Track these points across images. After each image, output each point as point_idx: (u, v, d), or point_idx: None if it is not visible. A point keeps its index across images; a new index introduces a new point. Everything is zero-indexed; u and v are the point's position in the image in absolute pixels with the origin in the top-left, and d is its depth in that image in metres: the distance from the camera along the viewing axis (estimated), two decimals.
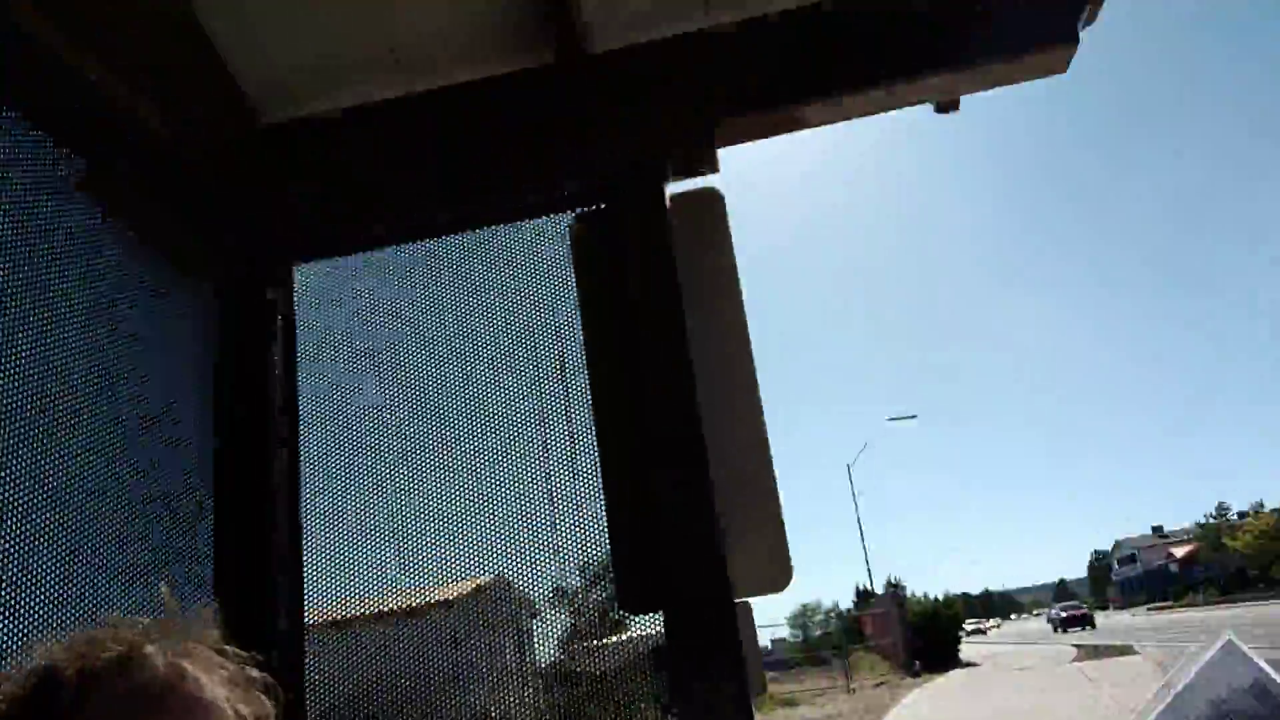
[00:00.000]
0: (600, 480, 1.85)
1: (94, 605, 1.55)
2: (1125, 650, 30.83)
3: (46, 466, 1.53)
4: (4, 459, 1.44)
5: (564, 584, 1.88)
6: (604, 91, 2.09)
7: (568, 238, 2.05)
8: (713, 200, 2.02)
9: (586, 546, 1.84)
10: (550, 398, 1.96)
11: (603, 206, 2.04)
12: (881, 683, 29.58)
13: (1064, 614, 67.06)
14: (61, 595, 1.50)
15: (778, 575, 1.74)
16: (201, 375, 1.98)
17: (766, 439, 1.83)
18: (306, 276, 2.13)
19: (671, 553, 1.71)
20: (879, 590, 42.35)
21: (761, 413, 1.85)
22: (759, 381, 1.87)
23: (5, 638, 1.40)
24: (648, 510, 1.76)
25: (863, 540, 63.26)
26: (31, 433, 1.50)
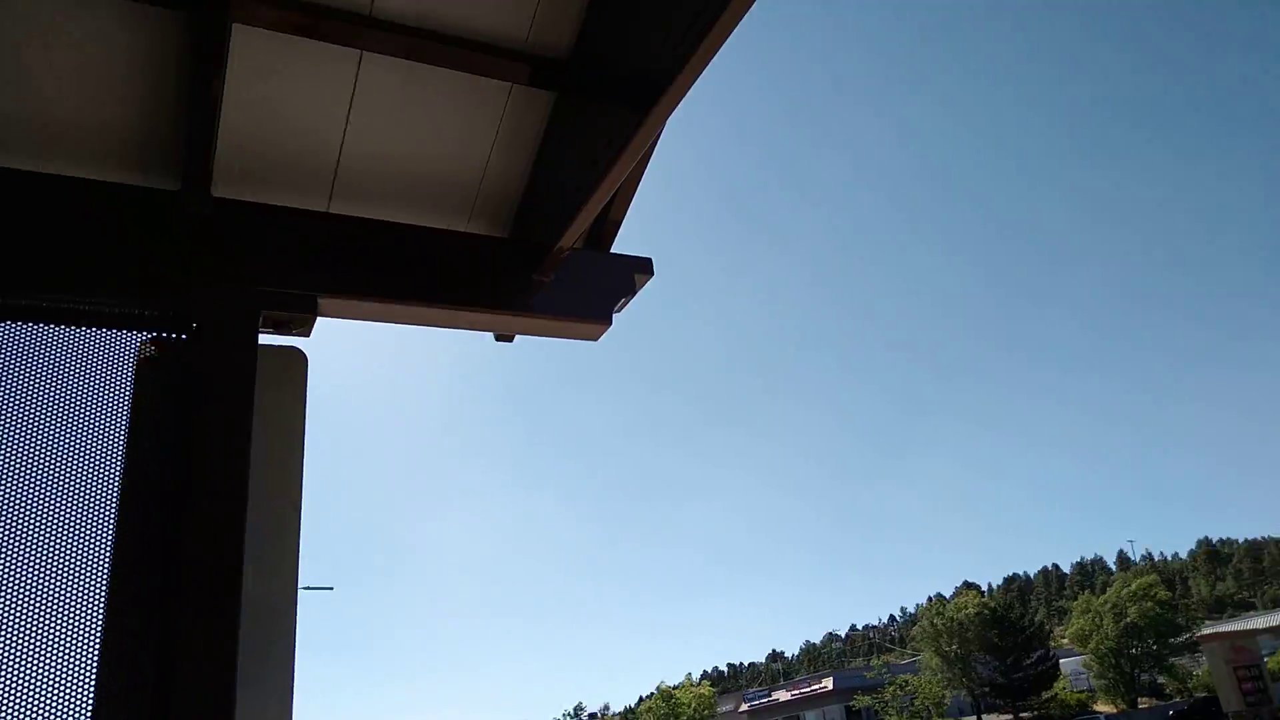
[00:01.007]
0: (103, 620, 1.76)
1: None
2: None
3: None
4: None
5: None
6: (217, 231, 2.17)
7: (134, 354, 2.02)
8: (296, 359, 2.17)
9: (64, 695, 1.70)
10: (72, 510, 1.84)
11: (183, 336, 2.06)
12: None
13: None
14: None
15: None
16: None
17: (296, 595, 1.95)
18: None
19: (174, 703, 1.69)
20: None
21: (296, 570, 1.97)
22: (299, 536, 2.00)
23: None
24: (159, 656, 1.73)
25: None
26: None
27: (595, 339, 2.58)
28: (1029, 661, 59.25)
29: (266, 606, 1.88)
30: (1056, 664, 62.17)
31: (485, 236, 2.57)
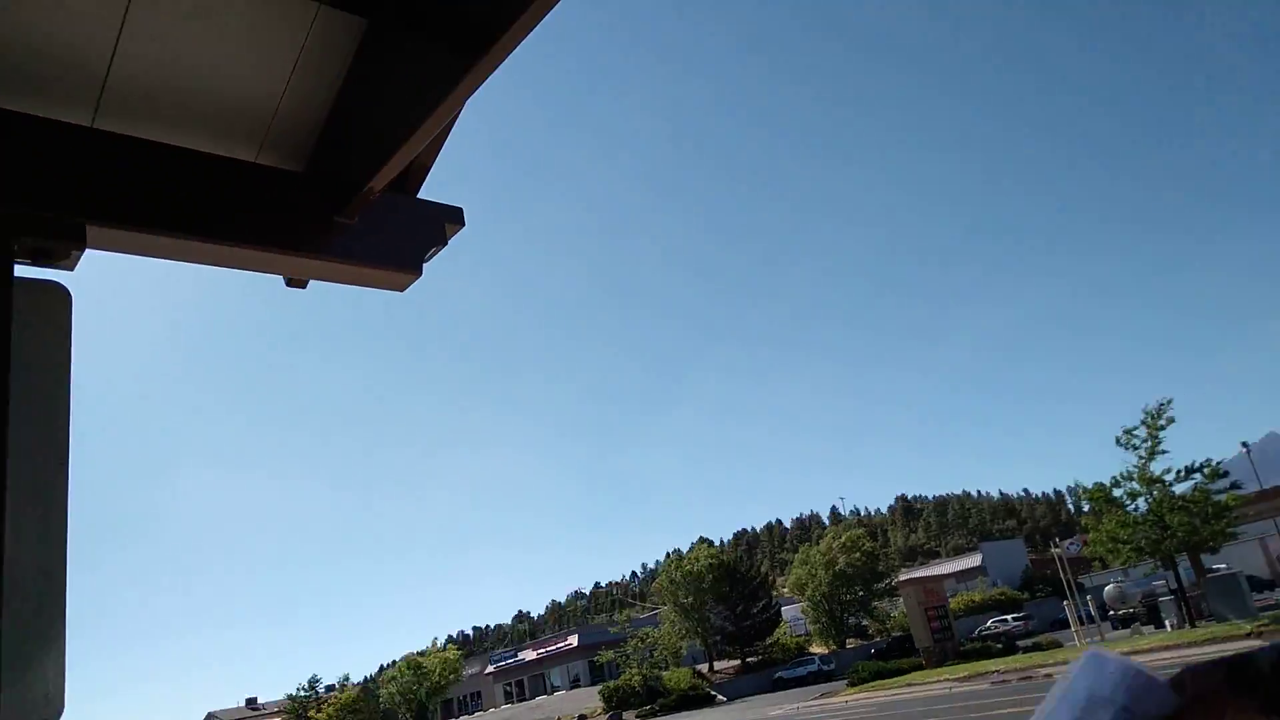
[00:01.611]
0: None
1: None
2: None
3: None
4: None
5: None
6: None
7: None
8: (60, 296, 1.89)
9: None
10: None
11: None
12: None
13: None
14: None
15: (49, 710, 1.60)
16: None
17: (65, 560, 1.72)
18: None
19: None
20: None
21: (65, 537, 1.73)
22: (69, 495, 1.77)
23: None
24: None
25: None
26: None
27: (402, 289, 2.46)
28: (755, 610, 64.42)
29: (31, 574, 1.64)
30: (779, 612, 68.17)
31: (279, 170, 2.36)
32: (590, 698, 64.89)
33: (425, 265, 2.44)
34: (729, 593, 64.07)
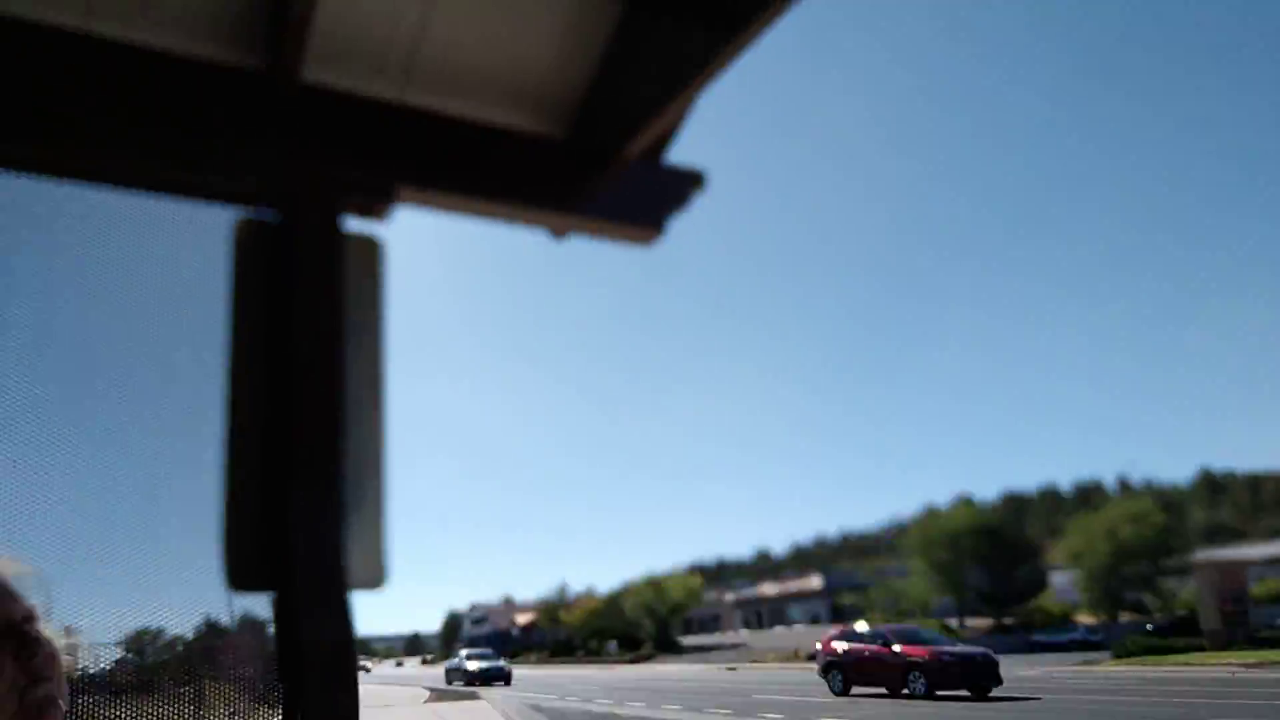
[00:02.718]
0: (226, 468, 1.99)
1: None
2: (471, 696, 34.01)
3: None
4: None
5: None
6: (303, 117, 2.29)
7: (231, 232, 2.17)
8: (375, 248, 2.33)
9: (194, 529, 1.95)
10: (178, 375, 2.05)
11: (275, 216, 2.21)
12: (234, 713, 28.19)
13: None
14: None
15: (378, 576, 2.07)
16: None
17: (383, 465, 2.17)
18: None
19: (294, 543, 1.93)
20: None
21: (383, 443, 2.18)
22: (386, 415, 2.21)
23: None
24: (273, 503, 1.96)
25: None
26: None
27: (648, 244, 2.72)
28: (1018, 574, 61.08)
29: (361, 462, 2.10)
30: (1045, 578, 64.05)
31: (548, 137, 2.68)
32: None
33: (668, 225, 2.69)
34: (990, 555, 61.15)
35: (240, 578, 1.92)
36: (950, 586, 61.63)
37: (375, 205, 2.34)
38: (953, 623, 61.68)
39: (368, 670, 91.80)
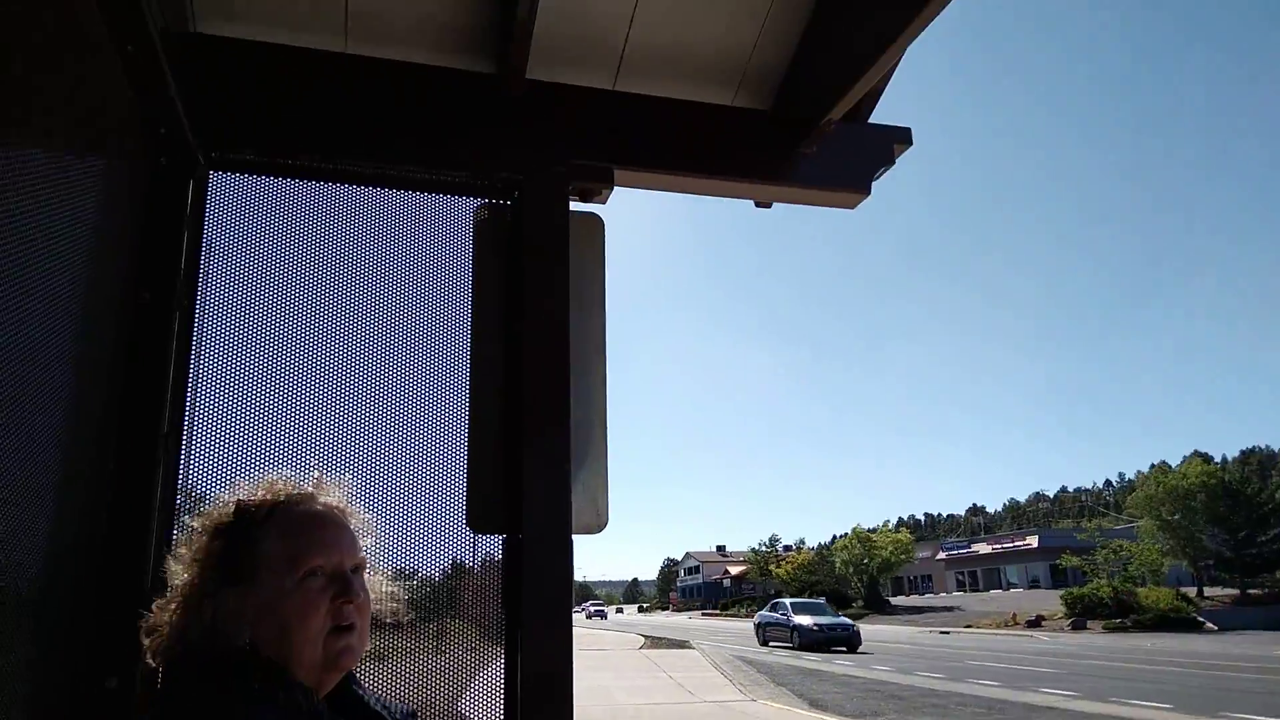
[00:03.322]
0: (466, 426, 2.28)
1: None
2: (684, 644, 35.17)
3: None
4: None
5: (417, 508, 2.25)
6: (530, 111, 2.52)
7: (471, 219, 2.45)
8: (597, 223, 2.54)
9: (445, 478, 2.26)
10: (432, 344, 2.35)
11: (508, 202, 2.47)
12: (468, 648, 30.83)
13: (591, 608, 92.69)
14: None
15: (599, 521, 2.31)
16: (110, 251, 2.08)
17: (605, 417, 2.40)
18: (220, 183, 2.29)
19: (525, 488, 2.20)
20: None
21: (605, 398, 2.41)
22: (607, 376, 2.44)
23: None
24: (509, 453, 2.24)
25: None
26: None
27: (853, 207, 2.77)
28: (1264, 539, 55.03)
29: (584, 416, 2.34)
30: None
31: (751, 110, 2.78)
32: (1049, 600, 61.66)
33: (874, 184, 2.71)
34: (1227, 515, 55.29)
35: (479, 521, 2.21)
36: (1183, 550, 56.27)
37: (595, 186, 2.54)
38: (1190, 591, 56.41)
39: (604, 616, 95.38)
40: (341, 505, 1.40)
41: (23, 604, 1.58)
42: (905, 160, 2.81)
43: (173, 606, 1.26)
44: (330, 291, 2.32)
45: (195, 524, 1.33)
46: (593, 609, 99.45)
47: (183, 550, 1.30)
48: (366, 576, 1.39)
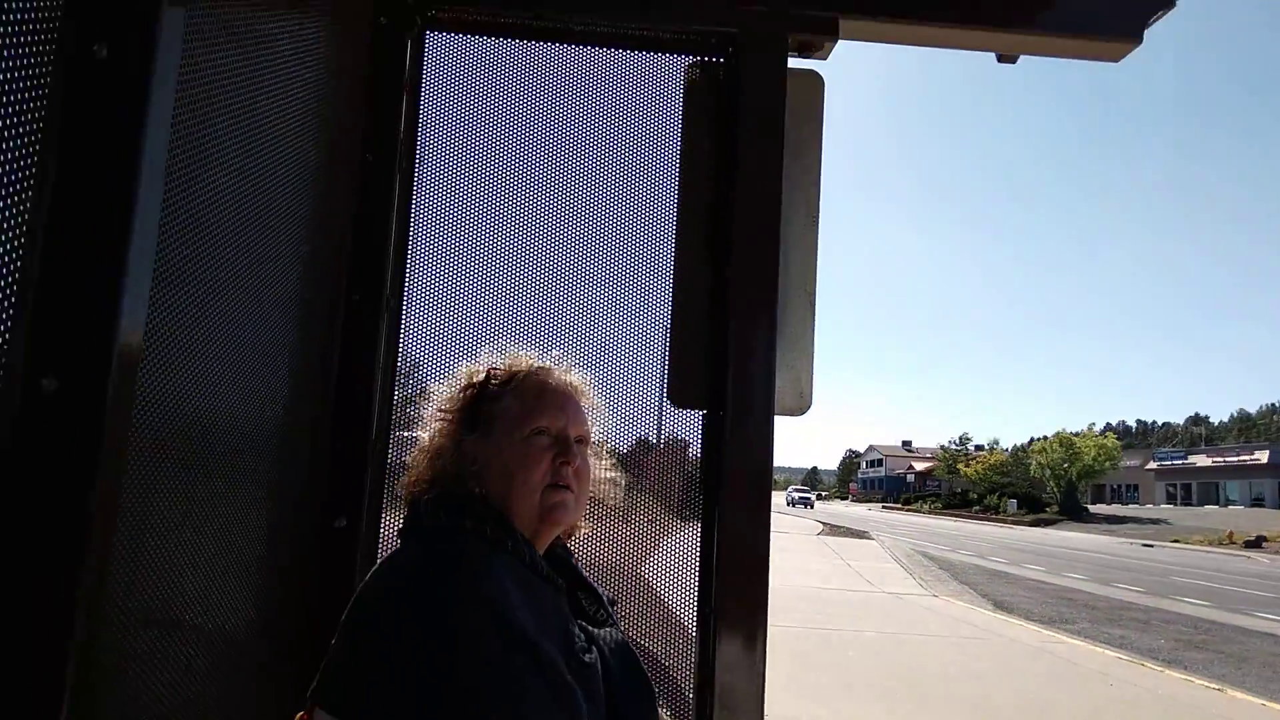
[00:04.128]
0: (671, 298, 2.20)
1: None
2: (863, 535, 35.17)
3: None
4: None
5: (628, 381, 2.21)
6: None
7: (682, 79, 2.30)
8: (816, 82, 2.33)
9: (645, 350, 2.20)
10: (639, 210, 2.26)
11: (721, 60, 2.30)
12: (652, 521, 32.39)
13: (795, 494, 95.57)
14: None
15: (802, 403, 2.20)
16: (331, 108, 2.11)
17: (814, 296, 2.25)
18: (437, 44, 2.26)
19: (729, 365, 2.11)
20: None
21: (815, 275, 2.26)
22: (818, 251, 2.27)
23: None
24: (713, 327, 2.15)
25: None
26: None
27: (1118, 59, 2.38)
28: None
29: (793, 293, 2.20)
30: None
31: None
32: (1273, 521, 56.50)
33: (1147, 32, 2.31)
34: None
35: (680, 396, 2.15)
36: None
37: (817, 40, 2.31)
38: None
39: (810, 505, 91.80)
40: (576, 383, 1.52)
41: (261, 452, 1.69)
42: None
43: (421, 453, 1.45)
44: (542, 159, 2.27)
45: (444, 385, 1.51)
46: (796, 495, 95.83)
47: (430, 408, 1.49)
48: (591, 460, 1.50)
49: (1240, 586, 25.44)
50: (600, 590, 1.52)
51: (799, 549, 25.91)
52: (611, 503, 1.60)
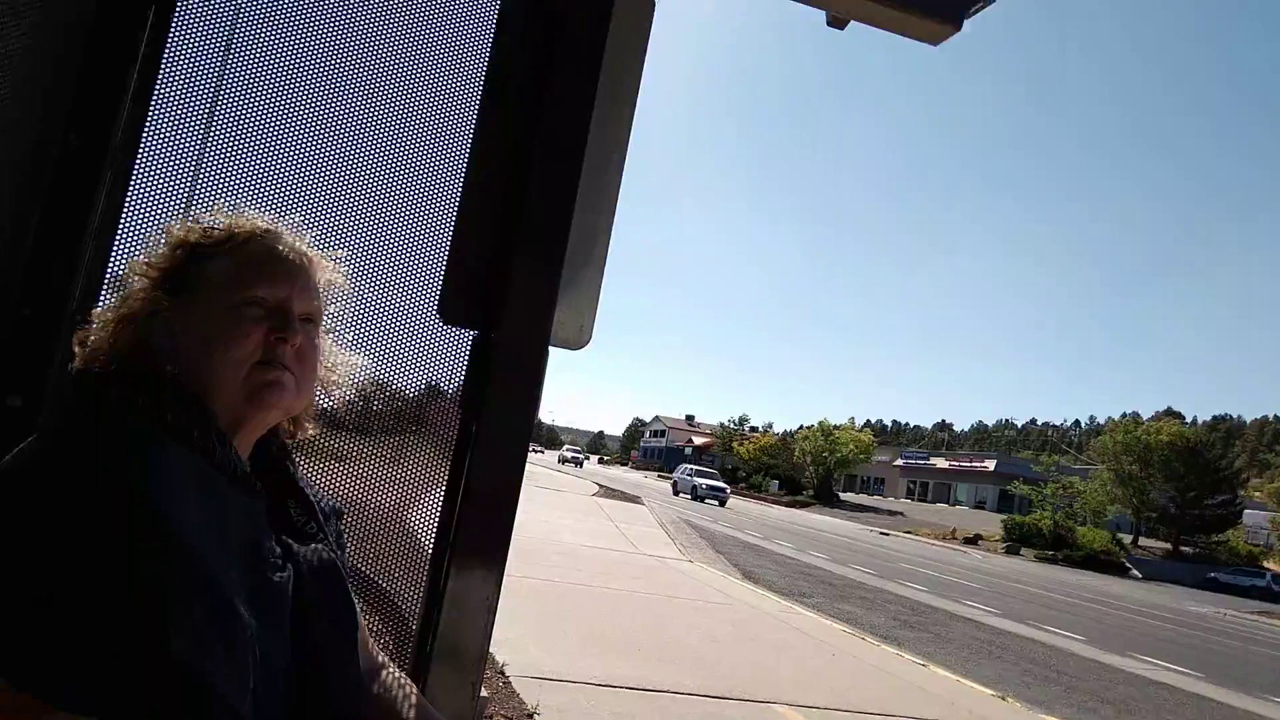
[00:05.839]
0: (459, 209, 2.01)
1: None
2: (635, 500, 36.27)
3: None
4: None
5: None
6: None
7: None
8: (646, 6, 2.20)
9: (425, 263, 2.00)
10: (424, 127, 2.04)
11: None
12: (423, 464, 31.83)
13: (568, 453, 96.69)
14: None
15: (581, 337, 2.09)
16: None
17: (610, 228, 2.14)
18: None
19: (509, 285, 1.95)
20: None
21: (614, 208, 2.14)
22: (621, 183, 2.15)
23: None
24: (498, 245, 1.98)
25: None
26: None
27: (935, 43, 2.41)
28: (1211, 502, 56.80)
29: (587, 233, 2.08)
30: (1240, 513, 59.25)
31: None
32: (990, 523, 63.84)
33: (967, 20, 2.35)
34: (1183, 474, 56.88)
35: (453, 313, 1.97)
36: (1130, 499, 58.25)
37: None
38: (1126, 538, 58.53)
39: (579, 465, 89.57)
40: (311, 254, 1.29)
41: None
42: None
43: (109, 315, 1.17)
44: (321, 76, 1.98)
45: (156, 242, 1.24)
46: (569, 454, 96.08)
47: (136, 268, 1.22)
48: (323, 340, 1.28)
49: (955, 577, 28.58)
50: (318, 501, 1.32)
51: (571, 507, 26.30)
52: (348, 390, 1.37)
